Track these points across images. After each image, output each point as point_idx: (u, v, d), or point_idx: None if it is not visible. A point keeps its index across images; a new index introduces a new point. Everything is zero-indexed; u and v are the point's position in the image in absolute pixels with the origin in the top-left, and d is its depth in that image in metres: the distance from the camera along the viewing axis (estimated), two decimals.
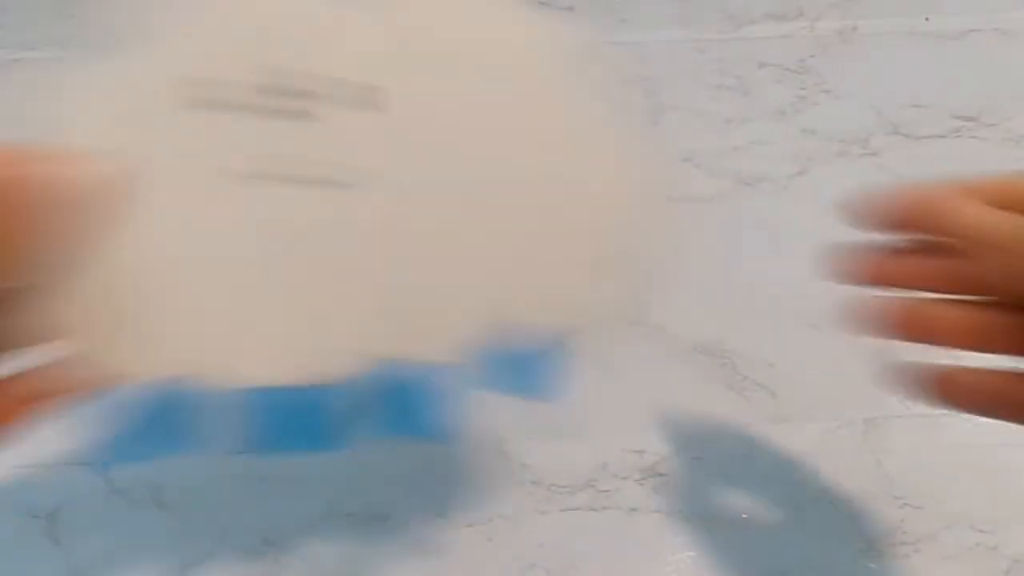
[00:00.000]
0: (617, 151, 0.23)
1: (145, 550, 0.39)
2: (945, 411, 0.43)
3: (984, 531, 0.40)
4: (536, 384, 0.23)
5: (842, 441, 0.42)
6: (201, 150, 0.20)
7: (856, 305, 0.27)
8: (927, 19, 0.56)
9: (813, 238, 0.48)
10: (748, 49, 0.55)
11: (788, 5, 0.56)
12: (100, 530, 0.38)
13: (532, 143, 0.22)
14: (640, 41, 0.55)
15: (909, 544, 0.40)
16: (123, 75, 0.21)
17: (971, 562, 0.39)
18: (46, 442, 0.42)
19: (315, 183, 0.20)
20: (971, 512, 0.40)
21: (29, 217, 0.18)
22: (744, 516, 0.41)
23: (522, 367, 0.23)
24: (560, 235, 0.22)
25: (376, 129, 0.21)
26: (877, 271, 0.27)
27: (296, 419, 0.22)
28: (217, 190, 0.20)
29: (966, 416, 0.43)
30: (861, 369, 0.44)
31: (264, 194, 0.20)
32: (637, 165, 0.22)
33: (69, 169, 0.20)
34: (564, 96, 0.23)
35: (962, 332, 0.26)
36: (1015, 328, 0.25)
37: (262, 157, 0.20)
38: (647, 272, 0.24)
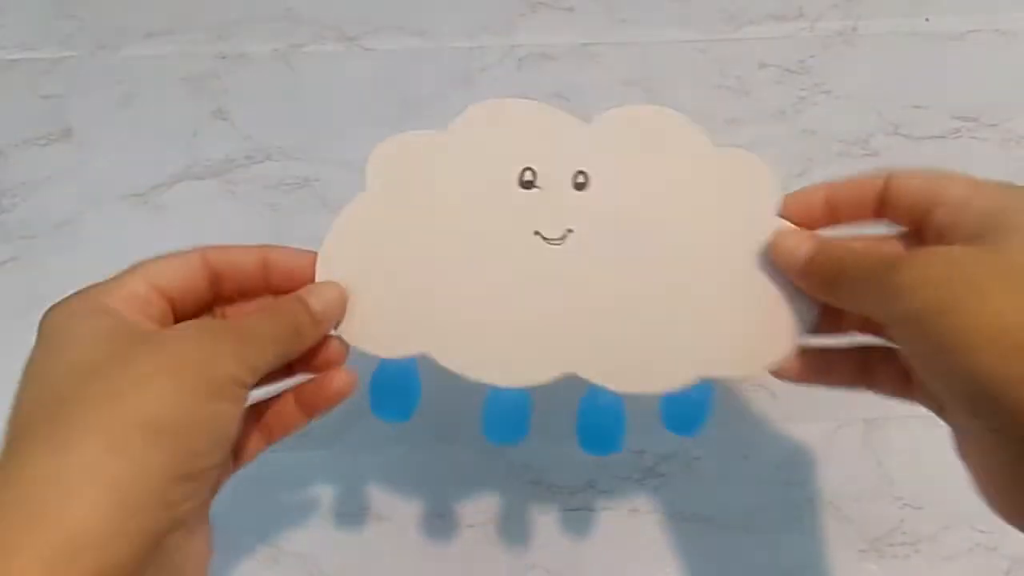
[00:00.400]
0: (754, 250, 0.29)
1: None
2: None
3: (984, 531, 0.40)
4: (691, 423, 0.29)
5: (842, 442, 0.42)
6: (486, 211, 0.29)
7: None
8: (927, 20, 0.56)
9: None
10: (748, 49, 0.55)
11: (788, 5, 0.56)
12: None
13: (691, 232, 0.29)
14: (640, 41, 0.55)
15: (909, 544, 0.40)
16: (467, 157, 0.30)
17: (971, 562, 0.39)
18: None
19: (541, 235, 0.29)
20: (971, 512, 0.40)
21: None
22: (744, 517, 0.41)
23: (683, 405, 0.29)
24: (722, 298, 0.29)
25: (580, 197, 0.29)
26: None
27: (501, 412, 0.29)
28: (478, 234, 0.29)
29: None
30: None
31: (520, 240, 0.29)
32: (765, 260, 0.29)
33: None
34: (722, 221, 0.30)
35: None
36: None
37: (522, 212, 0.29)
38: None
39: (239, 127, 0.51)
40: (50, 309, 0.26)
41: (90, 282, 0.46)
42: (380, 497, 0.41)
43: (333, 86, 0.53)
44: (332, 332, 0.29)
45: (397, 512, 0.41)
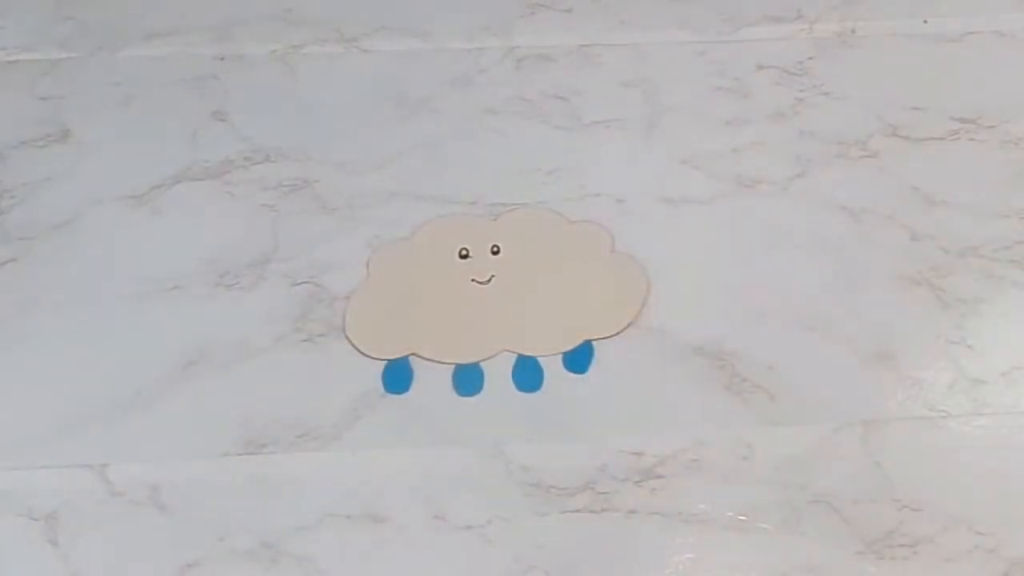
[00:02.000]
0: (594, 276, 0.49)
1: (144, 551, 0.39)
2: (943, 413, 0.43)
3: (983, 533, 0.40)
4: (582, 366, 0.45)
5: (841, 443, 0.42)
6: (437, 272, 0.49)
7: None
8: (926, 21, 0.56)
9: (812, 239, 0.49)
10: (747, 51, 0.55)
11: (787, 7, 0.56)
12: (99, 532, 0.38)
13: (563, 271, 0.49)
14: (640, 42, 0.55)
15: (907, 546, 0.40)
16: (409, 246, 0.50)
17: (969, 564, 0.39)
18: (46, 443, 0.42)
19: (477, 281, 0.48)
20: (970, 514, 0.40)
21: None
22: (743, 518, 0.41)
23: (576, 357, 0.46)
24: (584, 300, 0.48)
25: (496, 259, 0.49)
26: None
27: (465, 378, 0.45)
28: (443, 285, 0.48)
29: (964, 419, 0.43)
30: (860, 371, 0.45)
31: (464, 286, 0.48)
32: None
33: None
34: (578, 259, 0.49)
35: None
36: None
37: (463, 271, 0.49)
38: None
39: (238, 128, 0.51)
40: None
41: (89, 283, 0.47)
42: (380, 497, 0.41)
43: (332, 87, 0.53)
44: (360, 348, 0.46)
45: (397, 512, 0.41)
